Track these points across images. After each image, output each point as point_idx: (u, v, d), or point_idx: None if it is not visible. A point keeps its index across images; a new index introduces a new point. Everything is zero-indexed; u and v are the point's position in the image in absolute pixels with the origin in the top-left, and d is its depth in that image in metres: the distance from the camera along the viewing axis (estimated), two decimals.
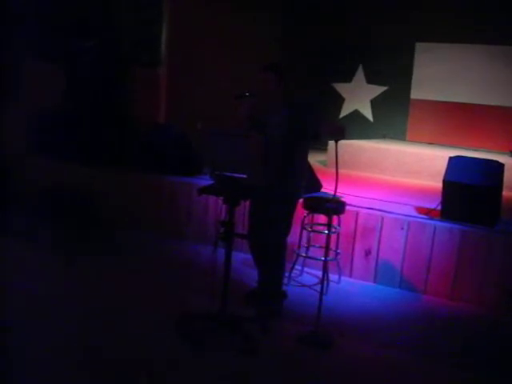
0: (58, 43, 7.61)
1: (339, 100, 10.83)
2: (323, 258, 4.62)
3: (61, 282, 5.03)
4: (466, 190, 5.41)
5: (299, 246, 5.37)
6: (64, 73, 7.58)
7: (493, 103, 9.49)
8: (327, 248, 4.65)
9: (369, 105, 10.57)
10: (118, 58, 7.63)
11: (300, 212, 5.13)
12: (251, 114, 4.67)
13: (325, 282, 4.73)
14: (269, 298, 4.73)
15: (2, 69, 7.43)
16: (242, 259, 5.66)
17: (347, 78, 10.67)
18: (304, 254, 5.52)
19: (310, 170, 5.82)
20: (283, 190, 4.55)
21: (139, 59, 7.75)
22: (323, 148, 8.46)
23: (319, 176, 6.24)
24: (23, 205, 6.56)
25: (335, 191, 4.22)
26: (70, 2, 7.69)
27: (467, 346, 4.42)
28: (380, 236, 5.56)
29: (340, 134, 4.32)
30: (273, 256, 4.68)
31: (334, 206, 4.98)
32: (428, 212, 5.68)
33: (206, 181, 6.08)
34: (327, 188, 5.83)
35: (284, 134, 4.48)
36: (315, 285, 5.37)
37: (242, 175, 4.08)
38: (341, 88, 10.79)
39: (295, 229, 4.99)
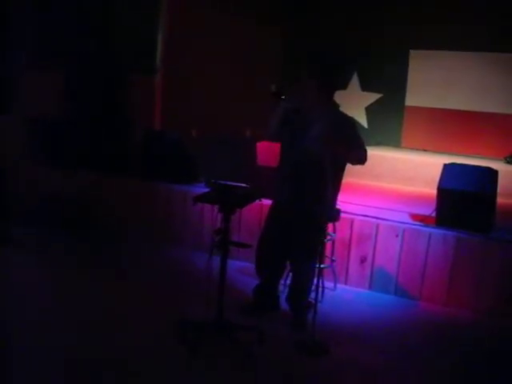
0: (54, 50, 7.62)
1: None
2: (318, 265, 4.63)
3: (58, 289, 5.04)
4: (461, 196, 5.43)
5: None
6: (60, 80, 7.59)
7: (487, 110, 9.52)
8: (322, 255, 4.66)
9: (364, 112, 10.58)
10: (114, 64, 7.64)
11: None
12: (285, 119, 4.55)
13: (320, 290, 4.73)
14: (302, 307, 4.73)
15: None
16: (238, 267, 5.67)
17: (342, 85, 10.68)
18: None
19: None
20: (322, 204, 4.54)
21: (135, 66, 7.76)
22: None
23: None
24: (21, 213, 6.56)
25: None
26: (67, 9, 7.71)
27: (463, 353, 4.43)
28: (375, 243, 5.58)
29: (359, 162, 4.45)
30: (308, 268, 4.68)
31: (329, 213, 4.99)
32: (423, 219, 5.69)
33: (201, 188, 6.08)
34: None
35: (324, 149, 4.38)
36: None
37: (238, 184, 4.07)
38: (336, 95, 10.78)
39: None
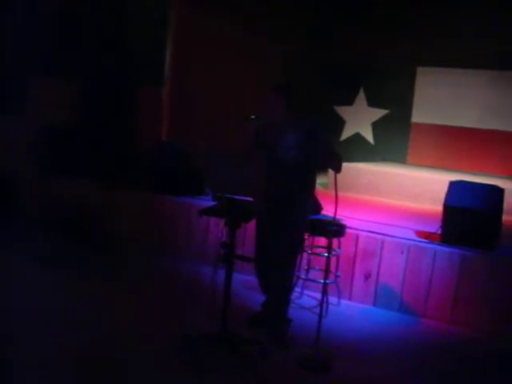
0: (65, 61, 7.69)
1: (340, 123, 10.86)
2: (323, 281, 4.62)
3: (67, 299, 5.04)
4: (467, 214, 5.42)
5: (299, 269, 5.37)
6: (69, 91, 7.65)
7: (494, 127, 9.52)
8: (327, 271, 4.65)
9: (370, 128, 10.60)
10: (122, 76, 7.69)
11: None
12: (257, 136, 4.64)
13: (324, 305, 4.71)
14: (276, 322, 4.69)
15: (10, 85, 7.50)
16: (243, 281, 5.65)
17: (348, 100, 10.71)
18: (303, 277, 5.52)
19: None
20: (295, 213, 4.54)
21: (143, 78, 7.82)
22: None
23: (319, 198, 6.24)
24: (27, 221, 6.59)
25: (335, 214, 4.24)
26: (77, 20, 7.79)
27: (466, 372, 4.40)
28: (380, 259, 5.56)
29: (339, 168, 4.41)
30: (282, 280, 4.65)
31: (335, 229, 4.99)
32: (428, 236, 5.68)
33: (206, 201, 6.09)
34: (327, 210, 5.83)
35: (297, 157, 4.45)
36: (314, 307, 5.35)
37: (243, 197, 4.08)
38: (342, 111, 10.83)
39: None
